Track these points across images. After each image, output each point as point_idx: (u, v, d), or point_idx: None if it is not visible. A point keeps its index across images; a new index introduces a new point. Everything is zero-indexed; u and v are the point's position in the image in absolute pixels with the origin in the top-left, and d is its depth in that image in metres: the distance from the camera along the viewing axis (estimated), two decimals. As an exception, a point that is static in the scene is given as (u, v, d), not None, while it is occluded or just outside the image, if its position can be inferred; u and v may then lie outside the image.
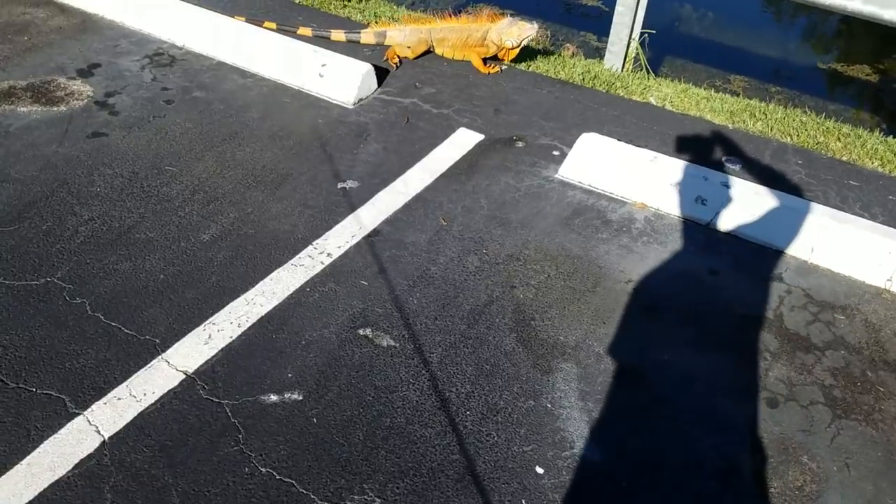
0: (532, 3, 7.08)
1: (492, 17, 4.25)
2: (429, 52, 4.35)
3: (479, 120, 3.93)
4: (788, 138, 3.98)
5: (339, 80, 3.99)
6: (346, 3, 5.31)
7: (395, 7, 5.47)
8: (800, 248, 3.15)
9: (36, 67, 4.05)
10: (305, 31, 4.43)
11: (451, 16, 4.31)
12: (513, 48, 4.23)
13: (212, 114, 3.82)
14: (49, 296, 2.70)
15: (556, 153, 3.71)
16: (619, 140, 3.60)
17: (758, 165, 3.67)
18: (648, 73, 4.73)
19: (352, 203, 3.30)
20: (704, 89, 4.59)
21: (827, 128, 4.14)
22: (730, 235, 3.25)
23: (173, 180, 3.35)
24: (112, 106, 3.80)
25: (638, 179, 3.41)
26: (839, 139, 4.03)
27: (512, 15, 4.30)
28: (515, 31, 4.17)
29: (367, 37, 4.43)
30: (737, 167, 3.63)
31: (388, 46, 4.36)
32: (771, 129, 4.05)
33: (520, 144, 3.76)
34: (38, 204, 3.13)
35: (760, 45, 6.97)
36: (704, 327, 2.81)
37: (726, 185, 3.29)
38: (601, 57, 5.10)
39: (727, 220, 3.25)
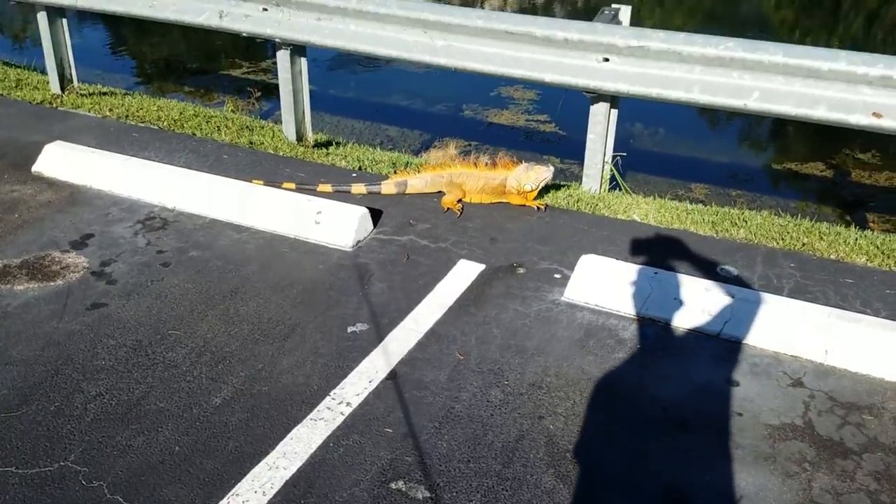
0: (492, 134, 7.41)
1: (507, 166, 4.43)
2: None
3: (477, 250, 3.99)
4: (774, 243, 4.11)
5: (336, 224, 4.06)
6: (327, 150, 5.49)
7: (371, 149, 5.66)
8: (814, 351, 3.18)
9: (29, 244, 4.04)
10: (325, 187, 4.54)
11: (470, 162, 4.50)
12: (532, 191, 4.40)
13: (210, 272, 3.82)
14: (65, 481, 2.57)
15: (557, 276, 3.76)
16: (616, 259, 3.68)
17: (753, 272, 3.76)
18: (626, 192, 4.91)
19: (364, 346, 3.27)
20: (680, 202, 4.76)
21: (807, 228, 4.30)
22: (742, 344, 3.28)
23: (178, 344, 3.29)
24: (109, 275, 3.79)
25: (642, 296, 3.46)
26: (821, 238, 4.18)
27: (527, 161, 4.50)
28: (533, 176, 4.35)
29: (388, 187, 4.55)
30: (733, 275, 3.72)
31: (408, 195, 4.56)
32: (755, 236, 4.18)
33: (521, 271, 3.82)
34: (43, 384, 3.04)
35: (711, 152, 7.34)
36: (739, 441, 2.78)
37: (730, 295, 3.36)
38: (573, 179, 5.31)
39: (736, 330, 3.29)
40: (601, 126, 4.62)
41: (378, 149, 5.78)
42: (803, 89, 3.95)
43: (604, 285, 3.54)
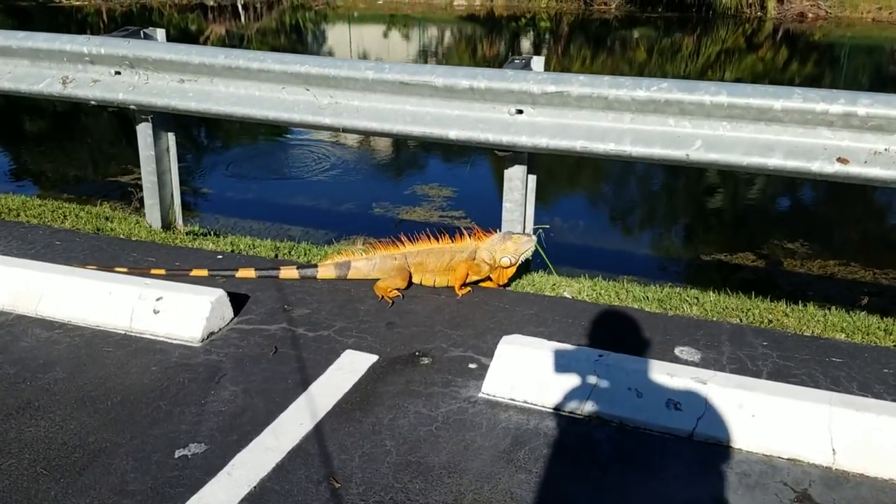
0: (403, 231, 6.74)
1: (478, 236, 3.60)
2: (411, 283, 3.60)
3: (368, 338, 3.06)
4: (738, 319, 3.36)
5: (182, 313, 3.07)
6: (195, 235, 4.54)
7: (255, 240, 4.72)
8: (818, 453, 2.35)
9: None
10: (247, 272, 3.64)
11: (428, 238, 3.64)
12: (510, 266, 3.55)
13: (-4, 380, 2.74)
14: None
15: (472, 366, 2.86)
16: (548, 340, 2.82)
17: (721, 352, 2.97)
18: (551, 270, 4.13)
19: (196, 477, 2.24)
20: (616, 282, 4.01)
21: (768, 306, 3.59)
22: (724, 447, 2.42)
23: (-85, 485, 2.18)
24: None
25: (586, 387, 2.59)
26: (787, 315, 3.46)
27: (501, 231, 3.69)
28: (511, 247, 3.50)
29: (325, 271, 3.66)
30: (697, 357, 2.91)
31: (352, 279, 3.66)
32: (712, 313, 3.43)
33: (425, 361, 2.90)
34: None
35: (634, 245, 6.87)
36: (748, 591, 1.86)
37: (700, 381, 2.53)
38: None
39: (714, 428, 2.44)
40: (518, 193, 3.89)
41: (267, 239, 4.83)
42: (754, 134, 3.34)
43: (534, 375, 2.66)
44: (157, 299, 3.13)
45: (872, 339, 3.18)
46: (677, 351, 2.97)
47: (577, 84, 3.50)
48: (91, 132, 9.64)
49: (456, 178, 8.11)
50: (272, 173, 8.25)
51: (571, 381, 2.61)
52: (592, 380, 2.60)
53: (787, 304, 3.68)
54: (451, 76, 3.70)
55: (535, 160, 3.94)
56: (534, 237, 3.60)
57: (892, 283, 6.02)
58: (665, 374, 2.58)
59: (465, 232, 3.61)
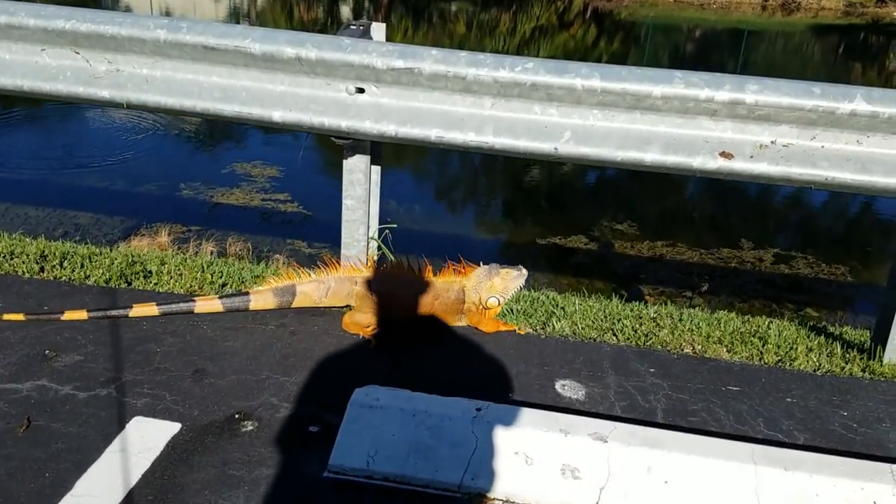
0: (218, 217, 5.83)
1: (464, 271, 2.88)
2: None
3: (167, 396, 2.28)
4: (612, 337, 2.94)
5: None
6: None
7: (18, 240, 3.65)
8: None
9: None
10: (148, 308, 2.72)
11: (406, 264, 2.89)
12: (497, 307, 2.87)
13: None
14: None
15: (314, 429, 2.19)
16: (412, 390, 2.21)
17: (606, 385, 2.53)
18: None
19: None
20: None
21: (634, 312, 3.22)
22: (634, 519, 1.96)
23: None
24: None
25: (462, 453, 2.02)
26: (658, 325, 3.11)
27: (487, 264, 2.94)
28: (499, 285, 2.82)
29: (260, 300, 2.79)
30: (582, 394, 2.45)
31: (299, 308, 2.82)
32: (584, 327, 2.99)
33: (249, 427, 2.18)
34: None
35: (464, 227, 6.55)
36: None
37: (600, 439, 2.04)
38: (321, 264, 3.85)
39: (621, 502, 1.97)
40: (361, 188, 3.22)
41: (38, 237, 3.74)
42: (628, 125, 2.91)
43: (398, 441, 2.04)
44: None
45: (754, 352, 2.89)
46: (559, 386, 2.49)
47: (430, 60, 2.88)
48: None
49: (284, 155, 7.24)
50: (47, 148, 6.92)
51: (446, 446, 2.03)
52: (472, 443, 2.03)
53: (652, 308, 3.36)
54: (272, 41, 2.93)
55: (380, 149, 3.29)
56: (524, 271, 2.92)
57: (717, 264, 6.11)
58: (557, 429, 2.07)
59: (451, 266, 2.90)
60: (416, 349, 2.68)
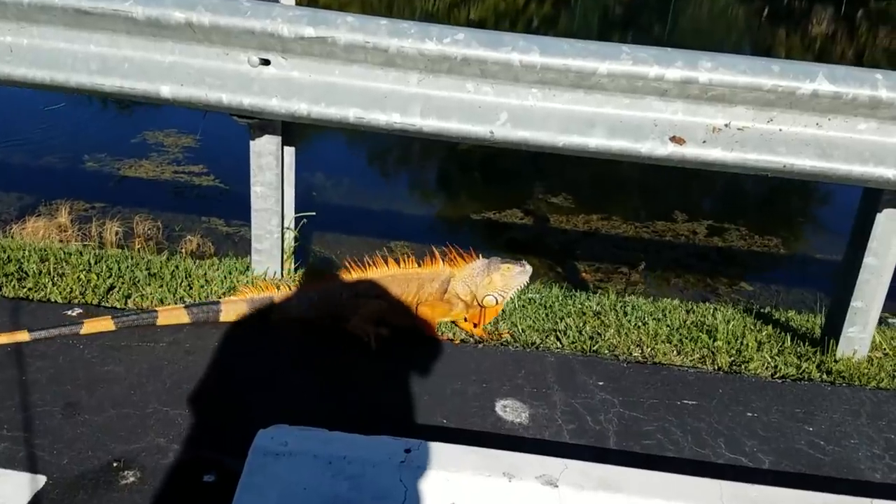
0: (125, 191, 5.29)
1: (452, 261, 2.54)
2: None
3: (32, 439, 1.87)
4: (555, 341, 2.66)
5: None
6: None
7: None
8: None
9: None
10: (104, 322, 2.28)
11: (383, 260, 2.55)
12: (496, 306, 2.54)
13: None
14: None
15: (209, 479, 1.83)
16: (329, 430, 1.87)
17: (552, 404, 2.25)
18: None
19: None
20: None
21: (578, 308, 2.96)
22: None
23: None
24: None
25: (388, 504, 1.71)
26: (603, 323, 2.86)
27: (486, 256, 2.59)
28: (499, 281, 2.49)
29: (232, 310, 2.43)
30: (525, 416, 2.16)
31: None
32: (522, 330, 2.70)
33: (129, 478, 1.81)
34: None
35: (394, 202, 6.16)
36: None
37: (550, 483, 1.76)
38: (241, 251, 3.45)
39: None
40: (272, 173, 2.82)
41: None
42: (570, 105, 2.59)
43: (312, 494, 1.71)
44: None
45: (706, 353, 2.67)
46: (500, 408, 2.20)
47: (346, 28, 2.49)
48: None
49: (201, 123, 6.68)
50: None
51: (368, 500, 1.71)
52: (399, 494, 1.72)
53: (588, 297, 3.12)
54: (157, 4, 2.48)
55: (293, 128, 2.88)
56: (528, 267, 2.58)
57: (653, 238, 5.96)
58: (500, 472, 1.78)
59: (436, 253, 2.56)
60: (340, 367, 2.34)
